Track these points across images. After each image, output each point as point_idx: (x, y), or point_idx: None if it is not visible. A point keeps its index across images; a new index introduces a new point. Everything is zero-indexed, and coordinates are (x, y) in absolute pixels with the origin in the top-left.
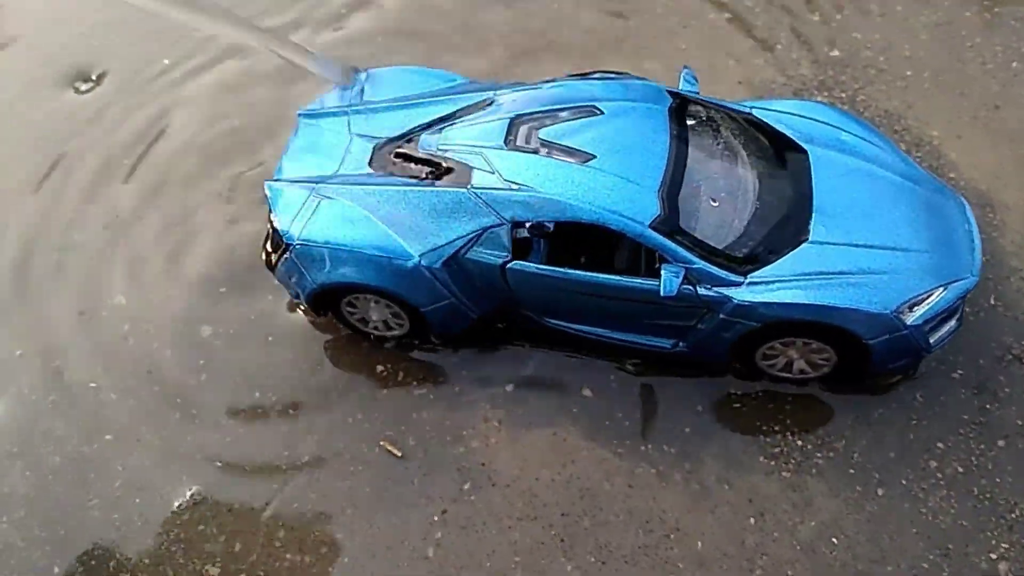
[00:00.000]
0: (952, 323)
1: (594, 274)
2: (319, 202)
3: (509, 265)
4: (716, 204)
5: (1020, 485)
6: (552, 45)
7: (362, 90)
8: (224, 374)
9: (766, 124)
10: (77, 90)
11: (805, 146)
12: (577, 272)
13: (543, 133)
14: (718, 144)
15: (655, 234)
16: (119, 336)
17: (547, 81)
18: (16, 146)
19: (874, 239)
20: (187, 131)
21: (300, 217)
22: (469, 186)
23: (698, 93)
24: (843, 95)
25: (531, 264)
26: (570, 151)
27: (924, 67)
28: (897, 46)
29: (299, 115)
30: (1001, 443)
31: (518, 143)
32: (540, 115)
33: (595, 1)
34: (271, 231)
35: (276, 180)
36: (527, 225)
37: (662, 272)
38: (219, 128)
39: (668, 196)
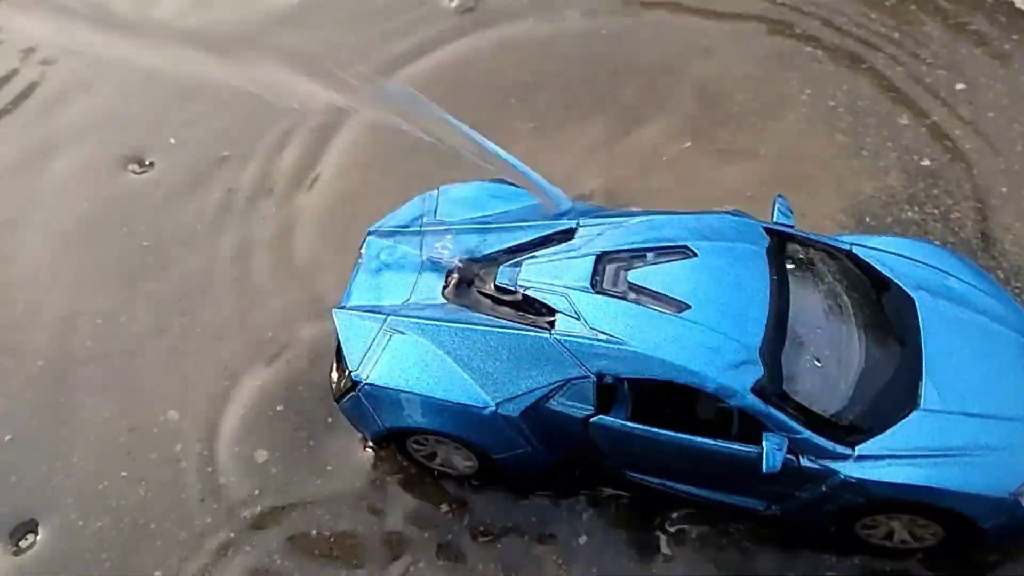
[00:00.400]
0: None
1: (686, 436)
2: (390, 337)
3: (592, 420)
4: (820, 364)
5: None
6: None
7: (436, 207)
8: (280, 504)
9: (869, 266)
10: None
11: (912, 294)
12: (667, 433)
13: (632, 276)
14: (820, 291)
15: (757, 400)
16: (171, 457)
17: (634, 213)
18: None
19: (990, 408)
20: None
21: (371, 354)
22: (553, 332)
23: (793, 227)
24: (935, 211)
25: (616, 420)
26: (662, 298)
27: (1021, 182)
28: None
29: (369, 233)
30: None
31: (605, 285)
32: (629, 254)
33: None
34: (338, 361)
35: (344, 308)
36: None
37: (764, 443)
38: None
39: (770, 354)
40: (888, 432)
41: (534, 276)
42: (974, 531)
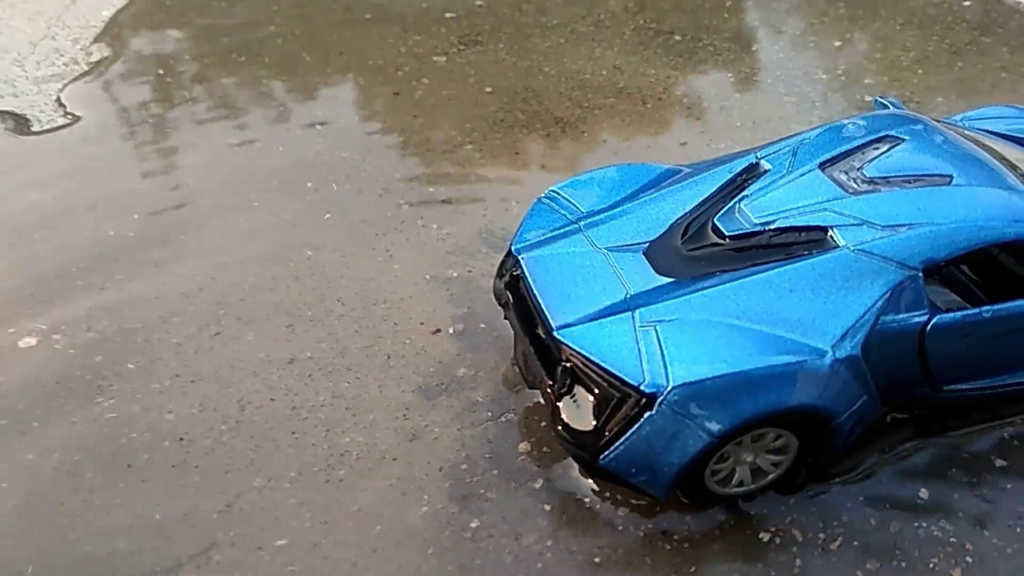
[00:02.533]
0: None
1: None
2: (653, 329)
3: (934, 322)
4: None
5: None
6: None
7: (569, 204)
8: None
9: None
10: None
11: None
12: (1012, 304)
13: (869, 171)
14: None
15: None
16: None
17: (796, 135)
18: None
19: None
20: None
21: (649, 358)
22: (846, 246)
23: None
24: None
25: (958, 314)
26: (920, 178)
27: None
28: None
29: (515, 250)
30: None
31: (858, 187)
32: (843, 157)
33: None
34: (561, 398)
35: (568, 326)
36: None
37: None
38: None
39: None
40: None
41: (770, 209)
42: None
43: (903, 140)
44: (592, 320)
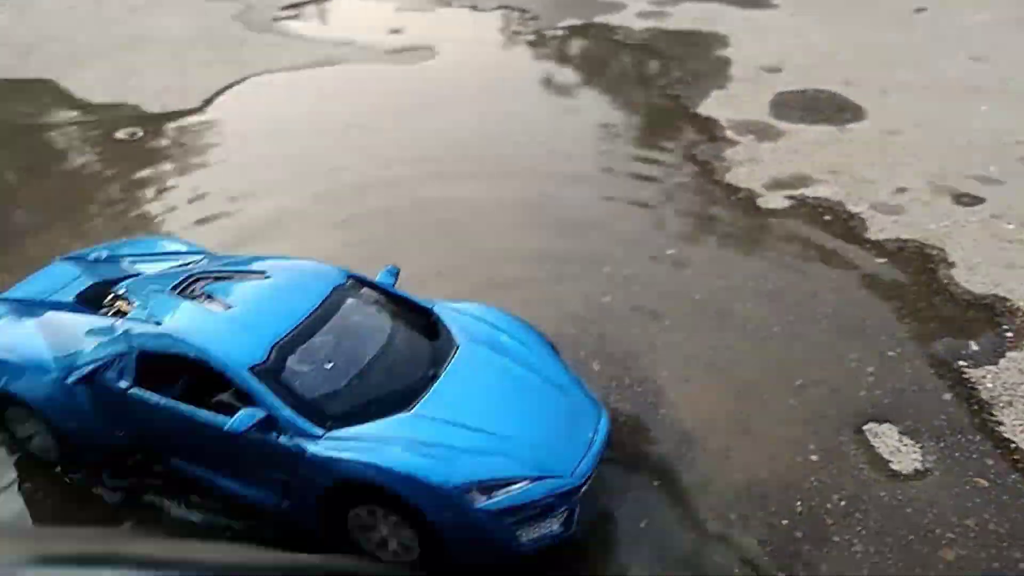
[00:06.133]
0: (554, 526)
1: (172, 402)
2: None
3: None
4: (330, 366)
5: None
6: None
7: None
8: None
9: (434, 318)
10: None
11: (460, 339)
12: (158, 398)
13: (209, 288)
14: (369, 325)
15: (250, 377)
16: None
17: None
18: None
19: (476, 422)
20: None
21: None
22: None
23: (392, 285)
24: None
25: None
26: (218, 301)
27: None
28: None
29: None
30: None
31: (184, 292)
32: (216, 274)
33: None
34: None
35: None
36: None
37: (240, 412)
38: None
39: (281, 350)
40: (367, 425)
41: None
42: (433, 531)
43: (266, 278)
44: None
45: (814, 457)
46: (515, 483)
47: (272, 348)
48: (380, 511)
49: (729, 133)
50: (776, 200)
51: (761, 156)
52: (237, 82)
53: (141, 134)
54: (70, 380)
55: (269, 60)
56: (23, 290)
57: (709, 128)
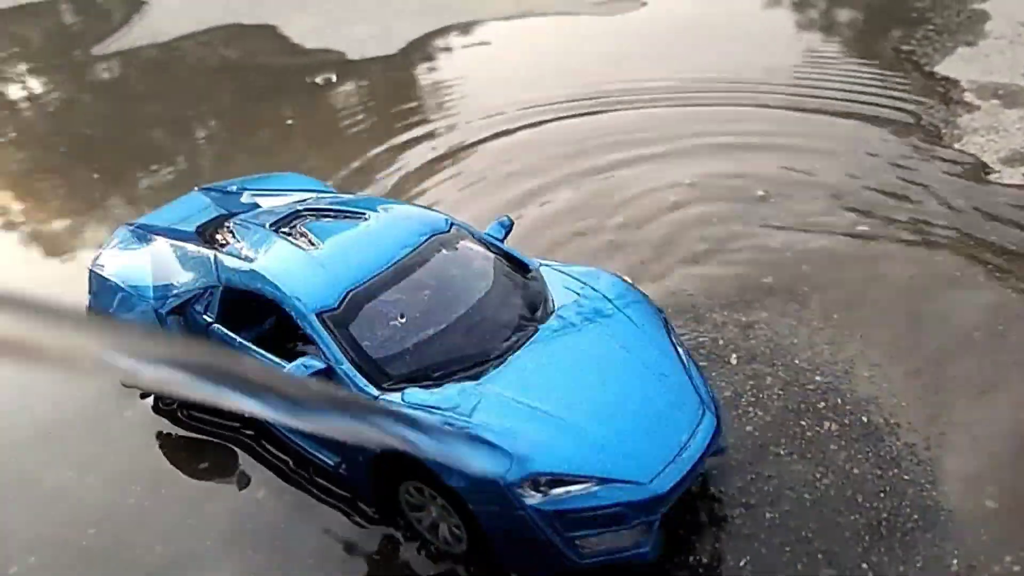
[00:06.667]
0: (625, 542)
1: (245, 343)
2: None
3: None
4: (402, 321)
5: None
6: None
7: None
8: None
9: (534, 279)
10: None
11: (554, 306)
12: (234, 337)
13: (308, 226)
14: (459, 278)
15: (315, 321)
16: None
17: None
18: None
19: (547, 405)
20: None
21: None
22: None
23: (501, 240)
24: None
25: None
26: (310, 239)
27: None
28: None
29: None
30: None
31: (281, 229)
32: (319, 212)
33: None
34: None
35: None
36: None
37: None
38: None
39: (355, 299)
40: (425, 390)
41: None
42: (477, 524)
43: (364, 219)
44: None
45: None
46: (578, 482)
47: (346, 294)
48: (427, 490)
49: (968, 96)
50: (1015, 176)
51: (1004, 124)
52: (438, 31)
53: (335, 79)
54: (163, 310)
55: (475, 10)
56: (156, 218)
57: (945, 89)
